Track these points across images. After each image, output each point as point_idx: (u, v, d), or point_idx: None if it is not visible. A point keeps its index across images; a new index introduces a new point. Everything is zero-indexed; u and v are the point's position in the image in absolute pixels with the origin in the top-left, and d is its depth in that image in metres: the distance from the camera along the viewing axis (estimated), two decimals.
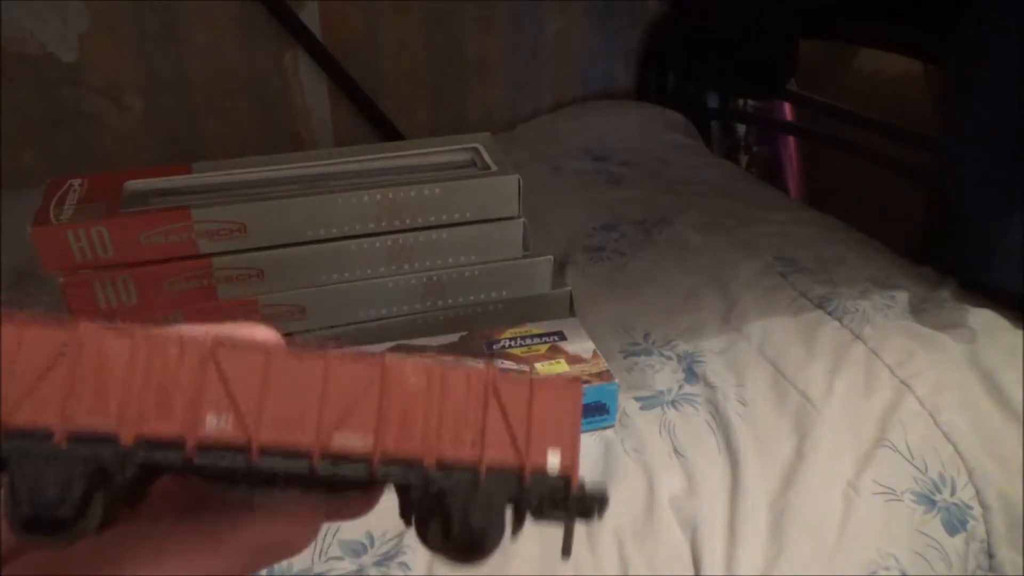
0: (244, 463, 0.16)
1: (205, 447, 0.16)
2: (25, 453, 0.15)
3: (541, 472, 0.17)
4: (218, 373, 0.16)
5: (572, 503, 0.18)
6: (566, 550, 0.18)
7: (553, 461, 0.18)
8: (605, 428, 0.57)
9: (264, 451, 0.16)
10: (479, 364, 0.18)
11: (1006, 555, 0.52)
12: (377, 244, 0.60)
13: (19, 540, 0.15)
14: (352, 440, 0.17)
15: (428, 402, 0.17)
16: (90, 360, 0.16)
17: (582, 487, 0.18)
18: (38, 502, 0.15)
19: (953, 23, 0.74)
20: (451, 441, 0.17)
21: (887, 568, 0.49)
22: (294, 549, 0.18)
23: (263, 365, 0.16)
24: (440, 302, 0.64)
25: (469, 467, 0.17)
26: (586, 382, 0.56)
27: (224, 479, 0.17)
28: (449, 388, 0.17)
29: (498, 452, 0.17)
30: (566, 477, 0.18)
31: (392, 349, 0.57)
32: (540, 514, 0.18)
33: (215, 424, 0.16)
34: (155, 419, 0.16)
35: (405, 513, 0.18)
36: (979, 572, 0.52)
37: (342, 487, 0.18)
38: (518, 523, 0.18)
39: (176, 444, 0.16)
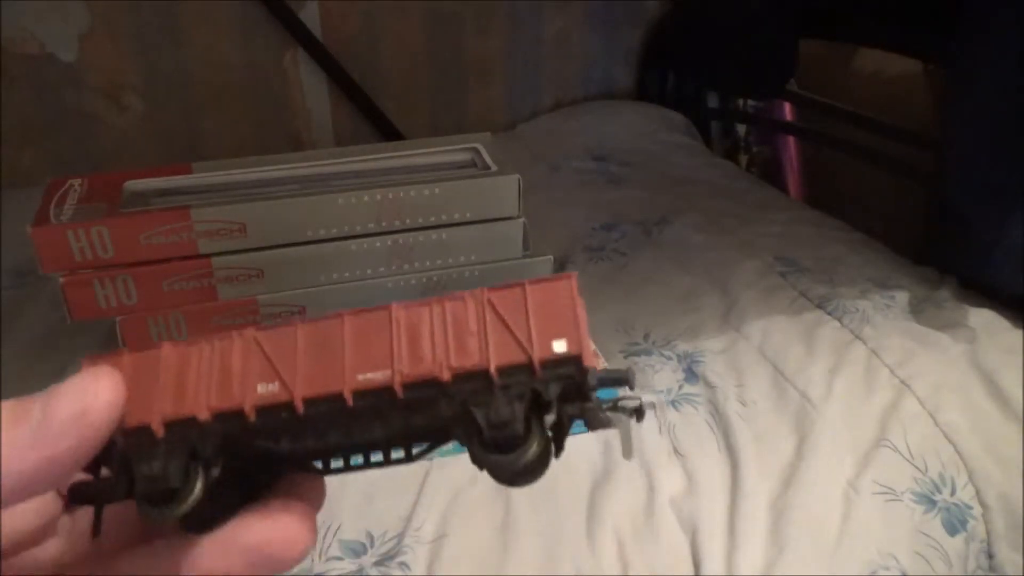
0: (292, 415, 0.19)
1: (261, 408, 0.19)
2: (137, 445, 0.19)
3: (550, 359, 0.19)
4: (262, 352, 0.20)
5: (592, 377, 0.19)
6: (626, 451, 0.20)
7: (559, 348, 0.19)
8: (605, 428, 0.57)
9: (307, 402, 0.19)
10: (474, 290, 0.20)
11: (1006, 555, 0.52)
12: (377, 244, 0.60)
13: (142, 515, 0.19)
14: (373, 376, 0.19)
15: (432, 329, 0.20)
16: (171, 370, 0.20)
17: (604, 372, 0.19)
18: (150, 479, 0.19)
19: (953, 23, 0.74)
20: (459, 355, 0.19)
21: (887, 568, 0.49)
22: (292, 554, 0.20)
23: (293, 336, 0.20)
24: None
25: (480, 372, 0.19)
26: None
27: (276, 436, 0.20)
28: (448, 314, 0.20)
29: (504, 352, 0.19)
30: (576, 357, 0.19)
31: None
32: (575, 408, 0.19)
33: (265, 390, 0.19)
34: (220, 398, 0.20)
35: (455, 435, 0.20)
36: (979, 572, 0.52)
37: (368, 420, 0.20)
38: (546, 412, 0.19)
39: (239, 412, 0.19)
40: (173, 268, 0.56)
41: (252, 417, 0.19)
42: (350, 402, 0.19)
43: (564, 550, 0.48)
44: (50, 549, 0.21)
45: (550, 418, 0.19)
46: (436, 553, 0.47)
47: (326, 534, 0.48)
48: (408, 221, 0.60)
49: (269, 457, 0.20)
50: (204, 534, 0.20)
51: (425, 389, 0.19)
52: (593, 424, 0.20)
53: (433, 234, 0.61)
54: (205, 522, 0.20)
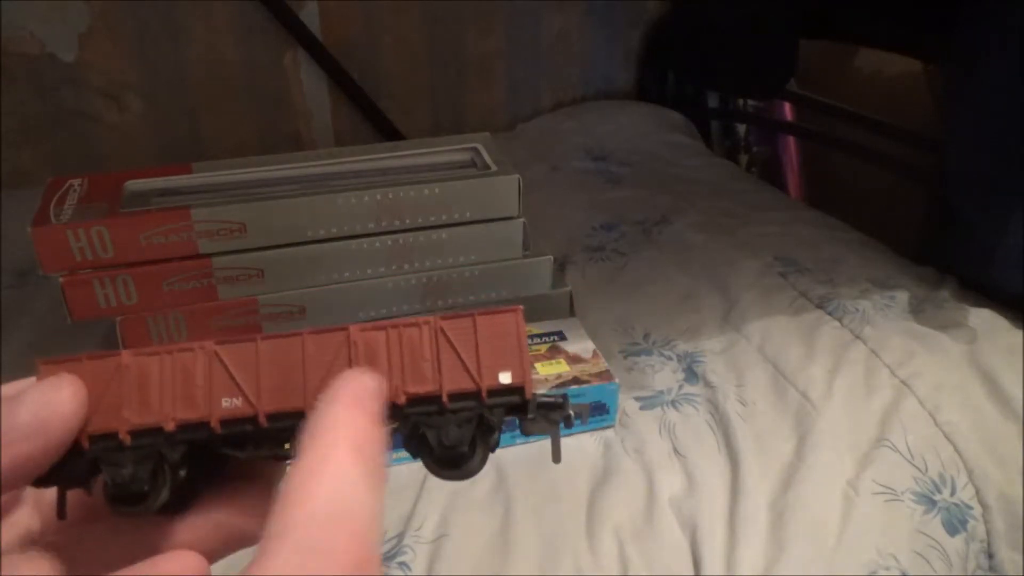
0: (255, 428, 0.21)
1: (226, 422, 0.21)
2: (104, 450, 0.20)
3: (497, 388, 0.21)
4: (224, 367, 0.21)
5: (532, 406, 0.21)
6: (555, 456, 0.22)
7: (504, 379, 0.21)
8: (605, 428, 0.57)
9: (269, 417, 0.21)
10: (428, 317, 0.21)
11: (1006, 555, 0.52)
12: (377, 244, 0.60)
13: (114, 513, 0.20)
14: None
15: (389, 353, 0.21)
16: (132, 378, 0.21)
17: (540, 397, 0.21)
18: (119, 483, 0.20)
19: (953, 23, 0.74)
20: (414, 380, 0.21)
21: (887, 568, 0.49)
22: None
23: (254, 352, 0.21)
24: (440, 302, 0.64)
25: (433, 397, 0.21)
26: (586, 382, 0.56)
27: (240, 444, 0.21)
28: (404, 340, 0.21)
29: (455, 380, 0.21)
30: (520, 388, 0.21)
31: None
32: (521, 426, 0.21)
33: (229, 404, 0.21)
34: (185, 409, 0.21)
35: (408, 447, 0.21)
36: (979, 572, 0.52)
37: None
38: (491, 434, 0.21)
39: (204, 424, 0.20)
40: (173, 268, 0.56)
41: (218, 430, 0.21)
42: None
43: (564, 550, 0.48)
44: (21, 521, 0.22)
45: (494, 438, 0.21)
46: (436, 553, 0.47)
47: None
48: (408, 221, 0.60)
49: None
50: (171, 516, 0.21)
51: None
52: (528, 431, 0.22)
53: (433, 234, 0.61)
54: (170, 506, 0.21)
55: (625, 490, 0.51)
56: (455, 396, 0.21)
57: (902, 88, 1.12)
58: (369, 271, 0.61)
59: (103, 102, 0.99)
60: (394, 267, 0.61)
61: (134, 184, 0.60)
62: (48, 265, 0.54)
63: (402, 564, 0.47)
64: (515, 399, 0.21)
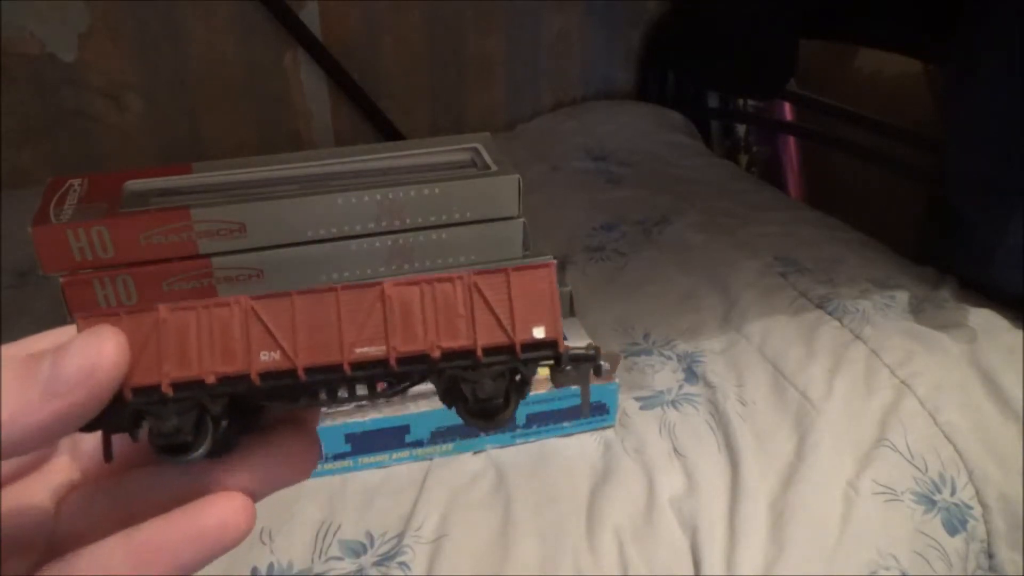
0: (293, 380, 0.21)
1: (264, 375, 0.21)
2: (147, 403, 0.21)
3: (530, 343, 0.21)
4: (260, 322, 0.21)
5: (565, 359, 0.21)
6: (584, 409, 0.25)
7: (538, 334, 0.21)
8: (605, 428, 0.57)
9: (307, 371, 0.21)
10: (461, 272, 0.22)
11: (1006, 555, 0.52)
12: (377, 244, 0.60)
13: (160, 460, 0.21)
14: (369, 350, 0.21)
15: (423, 309, 0.21)
16: (170, 332, 0.21)
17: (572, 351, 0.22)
18: (163, 434, 0.20)
19: (953, 23, 0.74)
20: (448, 334, 0.21)
21: (887, 568, 0.49)
22: (292, 479, 0.23)
23: (290, 307, 0.21)
24: None
25: (467, 351, 0.21)
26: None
27: (279, 396, 0.22)
28: (438, 295, 0.21)
29: (489, 334, 0.21)
30: (553, 342, 0.21)
31: None
32: (553, 377, 0.22)
33: (268, 358, 0.21)
34: (224, 363, 0.21)
35: (444, 399, 0.22)
36: (979, 572, 0.52)
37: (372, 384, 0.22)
38: (524, 387, 0.22)
39: (244, 377, 0.21)
40: (173, 268, 0.56)
41: (257, 382, 0.21)
42: (348, 372, 0.21)
43: (564, 550, 0.48)
44: (61, 468, 0.23)
45: (527, 390, 0.22)
46: (436, 553, 0.47)
47: (326, 534, 0.48)
48: (408, 221, 0.60)
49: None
50: (213, 461, 0.22)
51: (416, 364, 0.21)
52: (560, 383, 0.22)
53: (433, 234, 0.61)
54: (212, 453, 0.22)
55: (625, 490, 0.51)
56: (489, 350, 0.21)
57: (902, 88, 1.12)
58: (369, 271, 0.61)
59: (103, 102, 0.99)
60: (394, 267, 0.61)
61: (134, 184, 0.60)
62: (48, 265, 0.54)
63: (402, 564, 0.47)
64: (548, 353, 0.21)
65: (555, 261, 0.22)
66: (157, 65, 0.99)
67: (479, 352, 0.21)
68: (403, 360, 0.21)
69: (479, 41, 1.14)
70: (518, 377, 0.22)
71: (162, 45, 0.98)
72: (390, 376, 0.21)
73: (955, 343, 0.63)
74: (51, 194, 0.57)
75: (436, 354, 0.21)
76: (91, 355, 0.19)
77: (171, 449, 0.21)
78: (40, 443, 0.19)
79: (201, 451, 0.21)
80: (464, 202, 0.61)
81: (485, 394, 0.21)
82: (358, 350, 0.21)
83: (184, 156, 0.97)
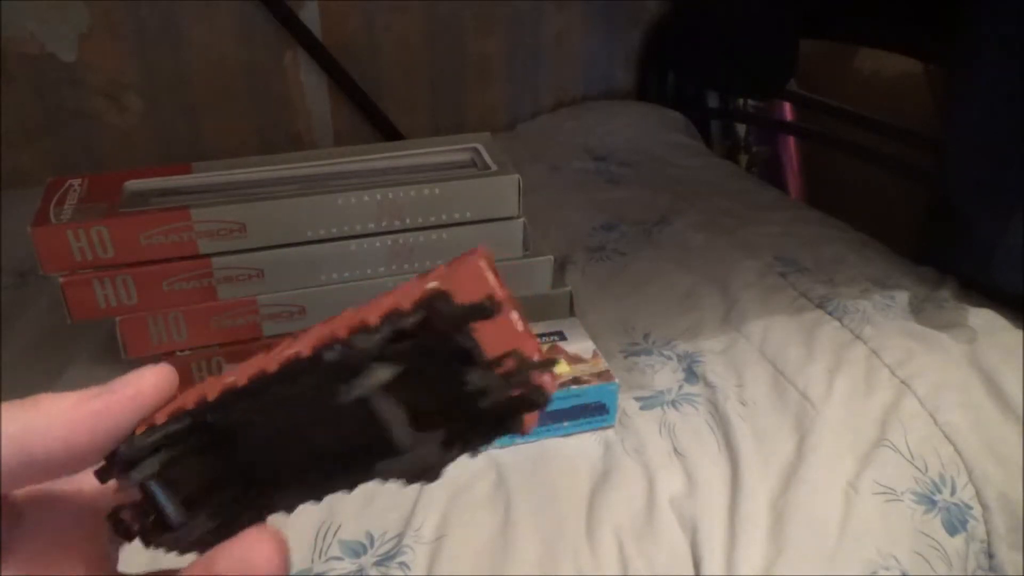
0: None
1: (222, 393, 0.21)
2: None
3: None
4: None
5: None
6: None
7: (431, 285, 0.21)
8: (605, 428, 0.57)
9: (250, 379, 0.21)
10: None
11: (1006, 555, 0.52)
12: (377, 244, 0.60)
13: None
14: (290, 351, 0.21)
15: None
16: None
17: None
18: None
19: (953, 23, 0.74)
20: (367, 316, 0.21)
21: (887, 568, 0.49)
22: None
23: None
24: None
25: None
26: (586, 382, 0.56)
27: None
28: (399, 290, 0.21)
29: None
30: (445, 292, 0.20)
31: None
32: None
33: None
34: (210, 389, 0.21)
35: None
36: (979, 572, 0.52)
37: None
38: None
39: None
40: (173, 268, 0.56)
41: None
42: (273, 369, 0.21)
43: (564, 550, 0.48)
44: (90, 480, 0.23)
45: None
46: (436, 553, 0.47)
47: (326, 534, 0.48)
48: (408, 221, 0.60)
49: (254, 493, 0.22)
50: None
51: (329, 351, 0.20)
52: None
53: (433, 234, 0.61)
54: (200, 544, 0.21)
55: (625, 490, 0.51)
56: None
57: (902, 88, 1.12)
58: (369, 271, 0.61)
59: (103, 102, 0.99)
60: (394, 267, 0.62)
61: (134, 184, 0.60)
62: (48, 265, 0.54)
63: (402, 564, 0.47)
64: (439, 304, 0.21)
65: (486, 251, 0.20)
66: (157, 65, 0.99)
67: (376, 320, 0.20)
68: (321, 348, 0.21)
69: (479, 41, 1.14)
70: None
71: (162, 45, 0.98)
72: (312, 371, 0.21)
73: (955, 343, 0.63)
74: (51, 194, 0.57)
75: (342, 333, 0.21)
76: (138, 380, 0.21)
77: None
78: (91, 462, 0.21)
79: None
80: (464, 202, 0.61)
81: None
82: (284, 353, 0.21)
83: (184, 156, 0.97)
